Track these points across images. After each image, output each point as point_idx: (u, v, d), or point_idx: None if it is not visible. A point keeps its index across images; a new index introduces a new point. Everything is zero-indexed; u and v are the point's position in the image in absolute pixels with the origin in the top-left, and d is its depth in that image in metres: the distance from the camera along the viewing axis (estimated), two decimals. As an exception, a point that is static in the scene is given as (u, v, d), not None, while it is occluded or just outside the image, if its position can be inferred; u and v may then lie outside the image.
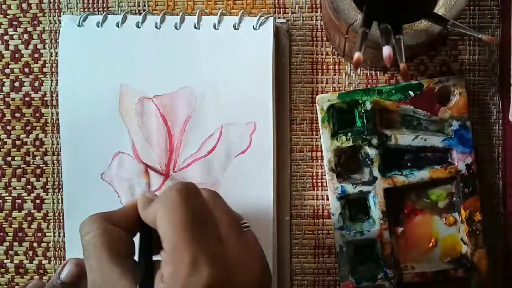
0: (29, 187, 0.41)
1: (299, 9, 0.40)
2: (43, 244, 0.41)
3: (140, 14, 0.40)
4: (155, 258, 0.30)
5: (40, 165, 0.41)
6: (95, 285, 0.28)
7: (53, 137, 0.41)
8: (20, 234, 0.41)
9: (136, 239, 0.31)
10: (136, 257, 0.31)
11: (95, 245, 0.29)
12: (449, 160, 0.39)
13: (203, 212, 0.29)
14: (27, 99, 0.41)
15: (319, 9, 0.40)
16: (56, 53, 0.40)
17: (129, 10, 0.41)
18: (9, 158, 0.41)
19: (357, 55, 0.26)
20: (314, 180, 0.40)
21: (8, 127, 0.41)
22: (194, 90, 0.39)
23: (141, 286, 0.27)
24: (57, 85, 0.40)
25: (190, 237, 0.27)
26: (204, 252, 0.27)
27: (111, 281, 0.28)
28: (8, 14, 0.41)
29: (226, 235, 0.29)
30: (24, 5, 0.41)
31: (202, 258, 0.26)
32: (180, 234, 0.27)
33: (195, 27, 0.39)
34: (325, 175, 0.40)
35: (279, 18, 0.40)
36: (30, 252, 0.41)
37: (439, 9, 0.30)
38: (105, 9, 0.41)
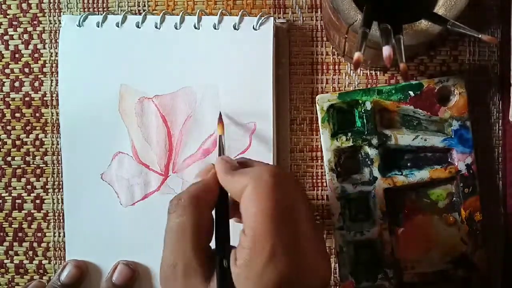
0: (29, 187, 0.41)
1: (299, 9, 0.40)
2: (43, 244, 0.41)
3: (140, 14, 0.40)
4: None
5: (40, 165, 0.41)
6: (175, 268, 0.28)
7: (53, 137, 0.41)
8: (20, 234, 0.41)
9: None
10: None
11: (184, 230, 0.28)
12: (449, 160, 0.39)
13: (291, 202, 0.28)
14: (27, 99, 0.41)
15: (319, 9, 0.40)
16: (56, 53, 0.40)
17: (129, 10, 0.41)
18: (9, 158, 0.41)
19: (357, 55, 0.26)
20: (314, 180, 0.40)
21: (8, 127, 0.41)
22: (194, 90, 0.39)
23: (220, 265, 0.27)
24: (57, 85, 0.40)
25: (275, 227, 0.26)
26: (283, 244, 0.26)
27: (191, 269, 0.27)
28: (8, 14, 0.41)
29: (305, 229, 0.28)
30: (24, 5, 0.41)
31: (280, 250, 0.26)
32: (266, 224, 0.26)
33: (195, 27, 0.39)
34: (325, 175, 0.40)
35: (279, 18, 0.40)
36: (30, 252, 0.41)
37: (439, 9, 0.30)
38: (105, 9, 0.41)
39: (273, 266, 0.26)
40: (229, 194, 0.31)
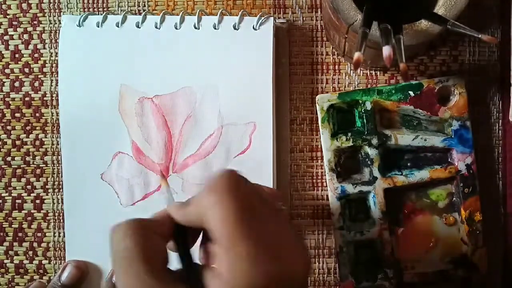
0: (29, 187, 0.41)
1: (299, 9, 0.40)
2: (43, 244, 0.41)
3: (140, 14, 0.40)
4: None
5: (40, 165, 0.41)
6: None
7: (53, 137, 0.41)
8: (20, 234, 0.41)
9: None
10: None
11: (131, 257, 0.26)
12: (449, 160, 0.39)
13: (252, 200, 0.27)
14: (27, 99, 0.41)
15: (319, 9, 0.40)
16: (56, 53, 0.40)
17: (129, 10, 0.41)
18: (9, 158, 0.41)
19: (357, 55, 0.26)
20: (314, 180, 0.40)
21: (8, 127, 0.41)
22: (194, 90, 0.39)
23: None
24: (57, 85, 0.40)
25: (246, 228, 0.25)
26: (261, 243, 0.25)
27: None
28: (8, 14, 0.41)
29: (274, 224, 0.27)
30: (24, 5, 0.41)
31: (260, 250, 0.25)
32: (235, 226, 0.25)
33: (195, 27, 0.39)
34: (325, 175, 0.40)
35: (279, 18, 0.40)
36: (30, 252, 0.41)
37: (439, 9, 0.30)
38: (105, 9, 0.41)
39: (260, 268, 0.25)
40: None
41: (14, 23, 0.41)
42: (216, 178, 0.27)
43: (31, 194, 0.41)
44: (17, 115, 0.41)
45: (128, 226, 0.27)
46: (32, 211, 0.41)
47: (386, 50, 0.26)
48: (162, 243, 0.28)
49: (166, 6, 0.41)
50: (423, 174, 0.38)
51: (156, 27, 0.39)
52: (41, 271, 0.41)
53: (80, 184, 0.39)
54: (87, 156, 0.39)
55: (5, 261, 0.41)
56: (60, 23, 0.41)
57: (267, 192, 0.33)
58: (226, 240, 0.25)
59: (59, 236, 0.41)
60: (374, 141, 0.38)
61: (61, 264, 0.41)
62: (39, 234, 0.41)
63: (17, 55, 0.41)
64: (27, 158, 0.41)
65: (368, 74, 0.40)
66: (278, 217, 0.28)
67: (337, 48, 0.39)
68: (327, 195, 0.40)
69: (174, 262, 0.28)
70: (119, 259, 0.26)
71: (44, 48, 0.41)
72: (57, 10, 0.41)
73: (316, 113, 0.39)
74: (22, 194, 0.41)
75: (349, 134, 0.38)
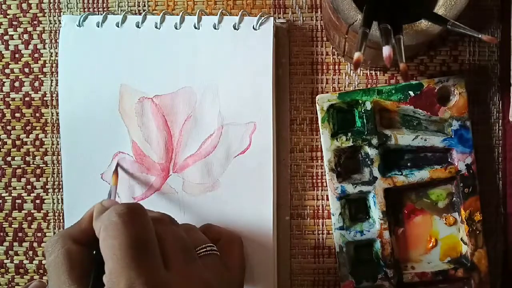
0: (29, 187, 0.41)
1: (299, 9, 0.40)
2: (43, 244, 0.41)
3: (140, 14, 0.40)
4: None
5: (40, 165, 0.41)
6: None
7: (53, 137, 0.41)
8: (20, 234, 0.41)
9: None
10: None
11: (56, 265, 0.29)
12: (449, 160, 0.39)
13: (146, 238, 0.28)
14: (27, 99, 0.41)
15: (319, 9, 0.40)
16: (56, 53, 0.41)
17: (129, 10, 0.41)
18: (9, 158, 0.41)
19: (357, 55, 0.26)
20: (314, 180, 0.40)
21: (8, 127, 0.41)
22: (194, 90, 0.39)
23: None
24: (57, 85, 0.40)
25: (128, 263, 0.26)
26: (142, 279, 0.26)
27: None
28: (8, 14, 0.41)
29: (172, 263, 0.29)
30: (24, 5, 0.41)
31: (139, 285, 0.26)
32: (118, 260, 0.27)
33: (195, 27, 0.39)
34: (325, 175, 0.40)
35: (279, 18, 0.40)
36: (30, 252, 0.41)
37: (439, 9, 0.30)
38: (105, 9, 0.41)
39: None
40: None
41: (14, 23, 0.41)
42: (112, 211, 0.29)
43: (31, 194, 0.41)
44: (17, 115, 0.41)
45: (55, 241, 0.30)
46: (32, 211, 0.41)
47: (386, 50, 0.26)
48: (84, 250, 0.30)
49: (166, 6, 0.41)
50: (423, 174, 0.38)
51: (156, 27, 0.39)
52: (41, 271, 0.41)
53: (80, 184, 0.39)
54: (87, 156, 0.39)
55: (5, 261, 0.41)
56: (60, 23, 0.41)
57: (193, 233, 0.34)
58: (108, 270, 0.27)
59: (59, 236, 0.41)
60: (374, 141, 0.38)
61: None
62: (39, 234, 0.41)
63: (17, 55, 0.41)
64: (27, 158, 0.41)
65: (368, 74, 0.40)
66: (178, 255, 0.29)
67: (337, 48, 0.39)
68: (327, 195, 0.40)
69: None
70: (48, 270, 0.29)
71: (44, 48, 0.41)
72: (57, 10, 0.41)
73: (316, 113, 0.39)
74: (22, 194, 0.41)
75: (349, 134, 0.38)
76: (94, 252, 0.30)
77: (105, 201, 0.32)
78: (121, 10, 0.41)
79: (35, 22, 0.41)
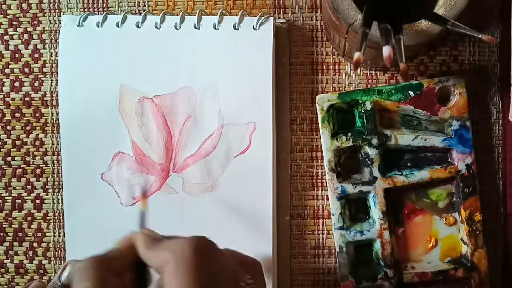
0: (29, 187, 0.41)
1: (299, 9, 0.40)
2: (43, 244, 0.41)
3: (140, 14, 0.40)
4: None
5: (40, 165, 0.41)
6: None
7: (53, 137, 0.41)
8: (20, 234, 0.41)
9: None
10: None
11: None
12: (449, 160, 0.39)
13: (215, 275, 0.27)
14: (27, 99, 0.41)
15: (319, 9, 0.40)
16: (56, 53, 0.41)
17: (129, 10, 0.41)
18: (9, 158, 0.41)
19: (357, 55, 0.26)
20: (314, 180, 0.40)
21: (8, 127, 0.41)
22: (194, 90, 0.39)
23: None
24: (57, 85, 0.40)
25: None
26: None
27: None
28: (8, 14, 0.41)
29: None
30: (24, 5, 0.41)
31: None
32: None
33: (195, 27, 0.39)
34: (325, 175, 0.40)
35: (279, 18, 0.40)
36: (30, 252, 0.41)
37: (439, 9, 0.30)
38: (105, 9, 0.41)
39: None
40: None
41: (14, 23, 0.41)
42: (185, 244, 0.27)
43: (31, 194, 0.41)
44: (17, 115, 0.41)
45: (87, 269, 0.28)
46: (32, 211, 0.41)
47: (386, 50, 0.26)
48: (119, 282, 0.28)
49: (166, 6, 0.41)
50: (423, 174, 0.38)
51: (156, 27, 0.39)
52: (41, 271, 0.41)
53: (80, 184, 0.39)
54: (87, 156, 0.39)
55: (5, 261, 0.41)
56: (60, 23, 0.41)
57: (240, 260, 0.33)
58: None
59: (59, 236, 0.41)
60: (374, 141, 0.38)
61: (61, 264, 0.41)
62: (39, 234, 0.41)
63: (17, 55, 0.41)
64: (27, 158, 0.41)
65: (368, 74, 0.40)
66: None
67: (337, 48, 0.39)
68: (327, 195, 0.40)
69: None
70: None
71: (44, 48, 0.41)
72: (57, 10, 0.41)
73: (316, 113, 0.39)
74: (22, 194, 0.41)
75: (349, 134, 0.38)
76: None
77: (147, 231, 0.31)
78: (121, 10, 0.41)
79: (35, 22, 0.41)
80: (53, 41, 0.41)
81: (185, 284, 0.26)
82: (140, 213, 0.33)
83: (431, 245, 0.39)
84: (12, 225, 0.41)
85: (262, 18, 0.38)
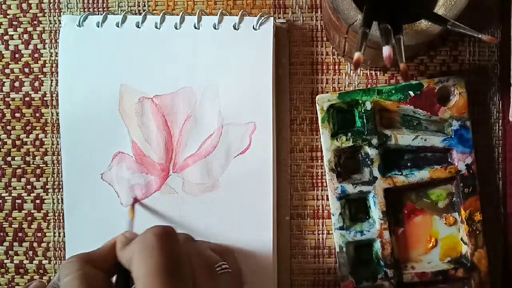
0: (29, 187, 0.41)
1: (299, 9, 0.40)
2: (43, 244, 0.41)
3: (140, 14, 0.40)
4: None
5: (40, 165, 0.41)
6: None
7: (53, 137, 0.41)
8: (20, 234, 0.41)
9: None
10: None
11: (71, 287, 0.29)
12: (449, 160, 0.39)
13: (179, 258, 0.29)
14: (27, 99, 0.41)
15: (319, 9, 0.40)
16: (56, 53, 0.41)
17: (129, 10, 0.41)
18: (9, 158, 0.41)
19: (357, 55, 0.26)
20: (314, 180, 0.40)
21: (8, 127, 0.41)
22: (194, 90, 0.39)
23: None
24: (57, 85, 0.40)
25: (164, 283, 0.27)
26: None
27: None
28: (8, 14, 0.41)
29: (200, 281, 0.29)
30: (24, 5, 0.41)
31: None
32: (154, 280, 0.27)
33: (195, 27, 0.39)
34: (325, 175, 0.40)
35: (279, 18, 0.40)
36: (30, 252, 0.41)
37: (439, 9, 0.30)
38: (105, 9, 0.41)
39: None
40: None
41: (14, 23, 0.41)
42: (147, 232, 0.29)
43: (31, 194, 0.41)
44: (17, 115, 0.41)
45: (72, 263, 0.30)
46: (32, 211, 0.41)
47: (386, 50, 0.26)
48: (102, 276, 0.30)
49: (166, 6, 0.41)
50: (423, 174, 0.38)
51: (156, 27, 0.39)
52: (41, 271, 0.41)
53: (80, 184, 0.39)
54: (87, 156, 0.39)
55: (5, 261, 0.41)
56: (60, 23, 0.41)
57: (211, 251, 0.35)
58: None
59: (59, 236, 0.41)
60: (374, 141, 0.38)
61: (61, 264, 0.41)
62: (39, 234, 0.41)
63: (17, 55, 0.41)
64: (27, 158, 0.41)
65: (368, 74, 0.40)
66: (206, 276, 0.30)
67: (337, 48, 0.39)
68: (327, 195, 0.40)
69: None
70: None
71: (44, 48, 0.41)
72: (57, 10, 0.41)
73: (316, 113, 0.39)
74: (22, 194, 0.41)
75: (349, 134, 0.38)
76: (115, 280, 0.31)
77: (127, 233, 0.32)
78: (121, 10, 0.41)
79: (35, 22, 0.41)
80: (53, 41, 0.41)
81: (149, 267, 0.27)
82: (128, 220, 0.37)
83: (431, 245, 0.39)
84: (12, 225, 0.41)
85: (262, 18, 0.38)
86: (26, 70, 0.41)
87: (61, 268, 0.30)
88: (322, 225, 0.40)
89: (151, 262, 0.28)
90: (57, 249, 0.41)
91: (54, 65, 0.41)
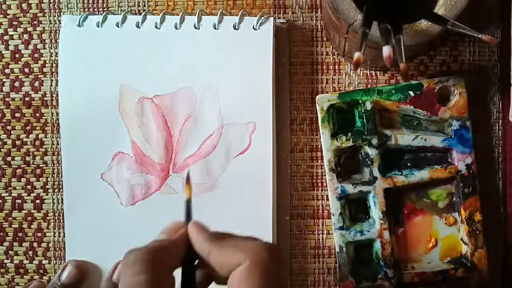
0: (29, 187, 0.41)
1: (299, 9, 0.40)
2: (43, 244, 0.41)
3: (140, 14, 0.40)
4: None
5: (40, 165, 0.41)
6: None
7: (53, 137, 0.41)
8: (20, 234, 0.41)
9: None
10: None
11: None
12: (449, 160, 0.39)
13: (279, 282, 0.27)
14: (27, 99, 0.41)
15: (319, 9, 0.40)
16: (56, 53, 0.41)
17: (129, 10, 0.41)
18: (9, 158, 0.41)
19: (357, 55, 0.26)
20: (314, 180, 0.40)
21: (8, 127, 0.41)
22: (194, 90, 0.39)
23: None
24: (57, 85, 0.40)
25: None
26: None
27: None
28: (8, 14, 0.41)
29: None
30: (24, 5, 0.41)
31: None
32: None
33: (195, 27, 0.39)
34: (325, 175, 0.40)
35: (279, 18, 0.40)
36: (30, 252, 0.41)
37: (439, 9, 0.30)
38: (105, 9, 0.41)
39: None
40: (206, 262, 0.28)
41: (14, 23, 0.41)
42: (262, 248, 0.27)
43: (31, 194, 0.41)
44: (17, 115, 0.41)
45: (142, 260, 0.26)
46: (32, 211, 0.41)
47: (386, 50, 0.26)
48: (171, 276, 0.27)
49: (166, 6, 0.41)
50: (423, 174, 0.38)
51: (156, 27, 0.39)
52: (41, 271, 0.41)
53: (80, 184, 0.39)
54: (87, 156, 0.39)
55: (5, 261, 0.41)
56: (60, 23, 0.41)
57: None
58: None
59: (59, 236, 0.41)
60: (374, 141, 0.38)
61: (61, 264, 0.41)
62: (39, 234, 0.41)
63: (17, 55, 0.41)
64: (27, 158, 0.41)
65: (368, 74, 0.40)
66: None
67: (337, 48, 0.39)
68: (327, 195, 0.40)
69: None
70: (125, 285, 0.25)
71: (44, 48, 0.41)
72: (57, 10, 0.41)
73: (316, 113, 0.39)
74: (22, 194, 0.41)
75: (349, 134, 0.38)
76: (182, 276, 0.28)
77: (198, 222, 0.29)
78: (121, 10, 0.41)
79: (35, 22, 0.41)
80: (53, 41, 0.41)
81: (257, 285, 0.26)
82: (185, 202, 0.30)
83: (431, 245, 0.39)
84: (12, 225, 0.41)
85: (262, 18, 0.38)
86: (26, 70, 0.41)
87: (128, 263, 0.26)
88: (322, 225, 0.40)
89: (261, 281, 0.26)
90: (57, 249, 0.41)
91: (54, 65, 0.41)
